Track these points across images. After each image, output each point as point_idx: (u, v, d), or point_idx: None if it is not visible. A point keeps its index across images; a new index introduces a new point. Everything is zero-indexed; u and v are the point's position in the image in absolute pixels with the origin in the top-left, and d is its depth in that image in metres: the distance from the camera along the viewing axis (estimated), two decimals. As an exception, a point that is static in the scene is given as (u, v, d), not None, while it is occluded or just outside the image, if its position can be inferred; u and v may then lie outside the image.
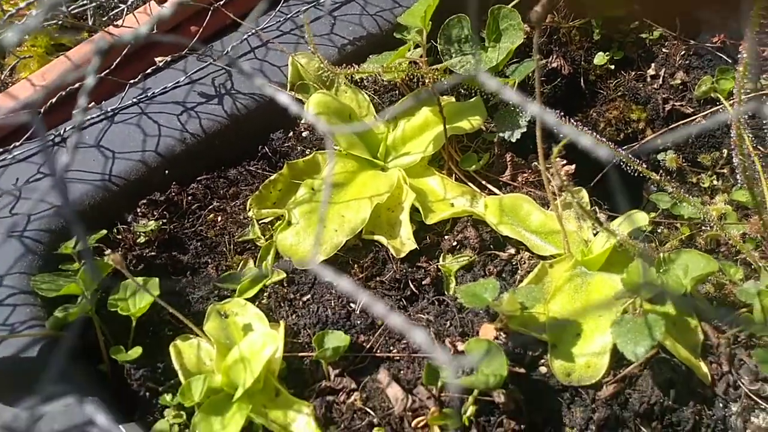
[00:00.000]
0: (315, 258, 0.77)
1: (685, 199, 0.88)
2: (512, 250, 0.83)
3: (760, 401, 0.73)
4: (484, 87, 0.86)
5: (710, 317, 0.76)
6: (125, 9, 0.81)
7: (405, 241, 0.81)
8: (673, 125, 1.06)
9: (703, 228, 0.91)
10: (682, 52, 1.10)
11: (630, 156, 0.87)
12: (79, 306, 0.67)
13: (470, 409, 0.67)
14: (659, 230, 0.94)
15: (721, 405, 0.71)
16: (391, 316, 0.28)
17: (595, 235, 0.82)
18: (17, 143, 0.80)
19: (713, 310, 0.77)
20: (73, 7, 0.77)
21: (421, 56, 0.82)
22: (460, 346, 0.72)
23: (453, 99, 0.93)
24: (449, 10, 0.89)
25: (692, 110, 1.05)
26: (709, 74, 1.06)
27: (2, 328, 0.67)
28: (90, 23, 0.80)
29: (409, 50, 0.84)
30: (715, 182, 1.00)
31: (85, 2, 0.79)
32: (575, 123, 0.85)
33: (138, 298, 0.69)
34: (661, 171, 1.02)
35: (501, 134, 0.89)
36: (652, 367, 0.71)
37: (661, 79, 1.10)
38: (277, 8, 0.96)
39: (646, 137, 1.09)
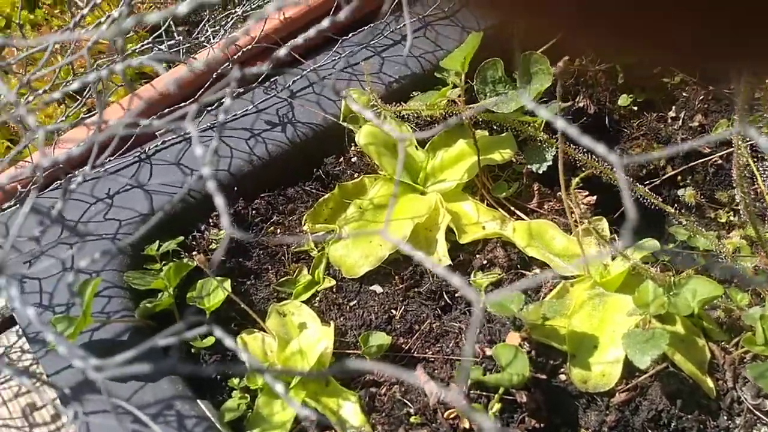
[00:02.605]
0: (362, 268, 0.88)
1: (699, 232, 0.98)
2: (537, 270, 0.93)
3: (762, 416, 0.81)
4: (514, 124, 0.97)
5: (717, 338, 0.84)
6: (209, 47, 0.95)
7: (441, 257, 0.91)
8: (692, 163, 1.15)
9: (719, 260, 0.99)
10: (701, 97, 1.20)
11: (646, 190, 0.97)
12: (164, 299, 0.79)
13: (496, 406, 0.76)
14: (678, 259, 1.03)
15: (725, 417, 0.79)
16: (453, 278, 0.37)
17: (613, 259, 0.91)
18: (111, 157, 0.93)
19: (720, 331, 0.85)
20: (169, 44, 0.90)
21: (459, 96, 0.94)
22: (488, 351, 0.82)
23: (486, 133, 1.04)
24: (487, 53, 1.00)
25: (709, 150, 1.14)
26: (725, 118, 1.15)
27: (100, 314, 0.79)
28: (181, 59, 0.93)
29: (449, 90, 0.95)
30: (731, 218, 1.09)
31: (178, 40, 0.92)
32: (597, 158, 0.95)
33: (213, 295, 0.80)
34: (677, 206, 1.11)
35: (529, 166, 1.00)
36: (661, 378, 0.80)
37: (681, 120, 1.19)
38: (333, 48, 1.08)
39: (666, 174, 1.18)
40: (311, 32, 0.59)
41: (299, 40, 0.57)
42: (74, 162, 0.90)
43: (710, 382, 0.78)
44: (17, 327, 0.82)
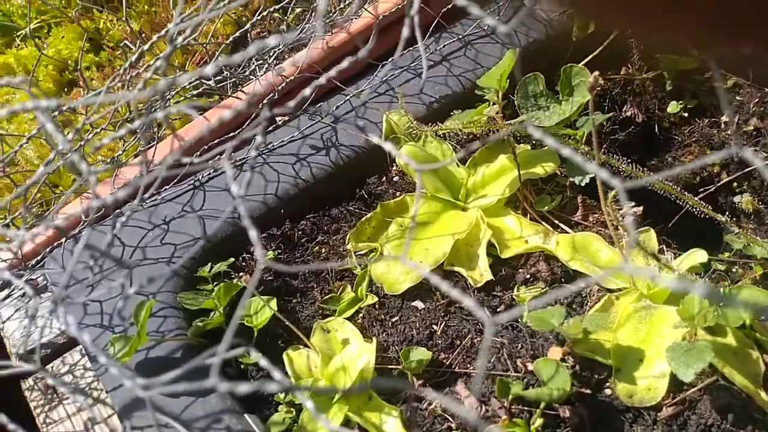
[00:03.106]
0: (404, 284, 0.90)
1: (753, 240, 0.94)
2: (582, 284, 0.92)
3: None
4: (555, 138, 0.97)
5: (774, 350, 0.80)
6: (254, 80, 1.00)
7: (483, 273, 0.92)
8: (748, 169, 1.11)
9: (777, 268, 0.95)
10: (756, 100, 1.15)
11: (697, 200, 0.94)
12: (215, 318, 0.84)
13: (538, 421, 0.76)
14: (734, 270, 0.99)
15: (783, 433, 0.76)
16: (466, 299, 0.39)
17: (660, 271, 0.89)
18: (167, 186, 1.00)
19: (777, 343, 0.81)
20: (217, 79, 0.97)
21: (497, 113, 0.95)
22: (530, 366, 0.81)
23: (528, 147, 1.04)
24: (528, 69, 1.01)
25: (766, 155, 1.10)
26: (782, 121, 1.10)
27: (156, 333, 0.85)
28: (229, 93, 0.99)
29: (487, 107, 0.96)
30: (794, 224, 1.04)
31: (225, 76, 0.98)
32: (645, 170, 0.93)
33: (260, 314, 0.84)
34: (734, 213, 1.07)
35: (572, 178, 0.99)
36: (711, 392, 0.77)
37: (735, 125, 1.15)
38: (375, 73, 1.12)
39: (721, 180, 1.14)
40: (345, 63, 0.62)
41: (344, 64, 0.60)
42: (127, 195, 0.97)
43: (765, 396, 0.75)
44: (80, 346, 0.89)
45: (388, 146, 0.50)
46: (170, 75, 1.26)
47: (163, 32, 0.52)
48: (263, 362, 0.43)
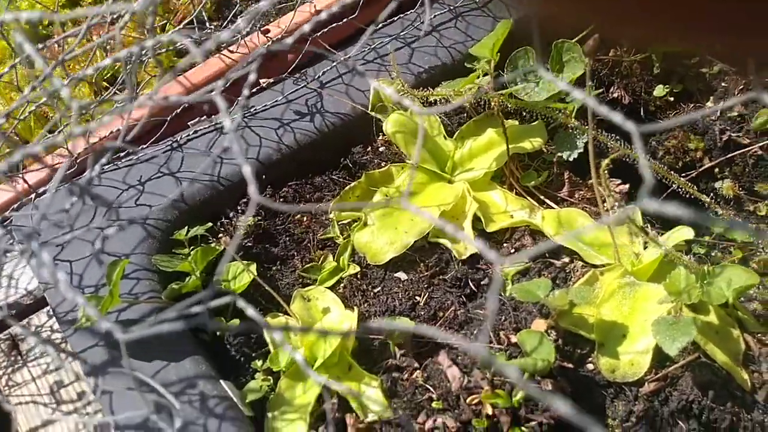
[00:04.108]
0: (387, 254, 0.88)
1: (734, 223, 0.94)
2: (566, 259, 0.91)
3: (801, 412, 0.77)
4: (545, 112, 0.95)
5: (753, 329, 0.81)
6: (239, 39, 0.96)
7: (467, 246, 0.90)
8: (730, 154, 1.11)
9: (757, 252, 0.96)
10: (741, 87, 1.16)
11: (682, 180, 0.94)
12: (190, 282, 0.81)
13: (519, 393, 0.75)
14: (713, 253, 0.99)
15: (760, 411, 0.76)
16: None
17: (645, 248, 0.89)
18: (144, 146, 0.96)
19: (756, 322, 0.82)
20: (199, 35, 0.93)
21: (488, 83, 0.93)
22: (513, 339, 0.80)
23: (516, 122, 1.03)
24: (517, 43, 0.99)
25: (749, 141, 1.10)
26: (766, 107, 1.11)
27: (128, 296, 0.81)
28: (212, 51, 0.95)
29: (478, 77, 0.95)
30: (773, 210, 1.05)
31: (209, 29, 0.94)
32: (630, 144, 0.93)
33: (239, 279, 0.81)
34: (715, 198, 1.08)
35: (560, 153, 0.98)
36: (692, 369, 0.77)
37: (719, 111, 1.16)
38: (363, 40, 1.09)
39: (703, 166, 1.14)
40: (323, 15, 0.60)
41: (323, 15, 0.58)
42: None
43: (745, 374, 0.75)
44: (48, 308, 0.85)
45: (389, 90, 0.48)
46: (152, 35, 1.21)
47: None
48: (251, 312, 0.41)
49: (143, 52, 0.88)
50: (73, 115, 0.39)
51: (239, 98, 1.00)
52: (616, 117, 0.41)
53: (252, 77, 0.46)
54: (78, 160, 0.86)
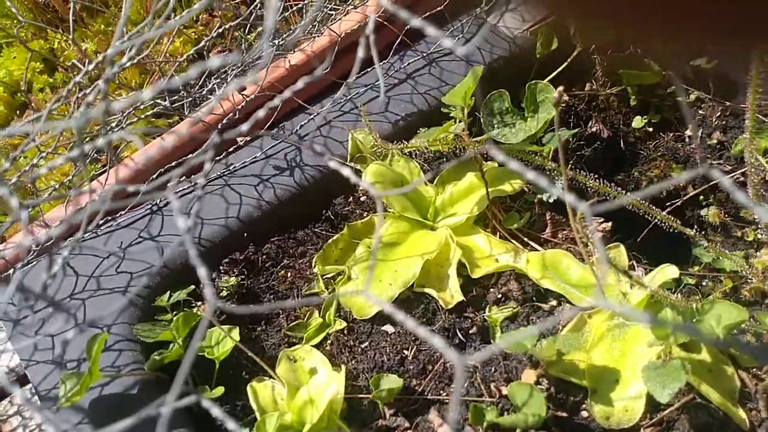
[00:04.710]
0: (373, 308, 0.87)
1: (722, 253, 0.94)
2: (554, 302, 0.90)
3: (803, 449, 0.75)
4: (522, 155, 0.96)
5: (747, 365, 0.80)
6: (214, 101, 0.97)
7: (453, 294, 0.89)
8: (713, 182, 1.11)
9: (747, 281, 0.95)
10: (718, 113, 1.16)
11: (664, 214, 0.94)
12: (173, 351, 0.79)
13: (514, 448, 0.73)
14: (704, 283, 0.98)
15: (761, 451, 0.74)
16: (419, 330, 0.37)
17: (631, 288, 0.88)
18: (123, 212, 0.95)
19: (750, 357, 0.80)
20: (173, 99, 0.93)
21: (463, 130, 0.93)
22: (504, 391, 0.79)
23: (496, 164, 1.03)
24: (492, 86, 0.99)
25: (730, 168, 1.11)
26: (744, 133, 1.11)
27: (111, 369, 0.80)
28: (187, 113, 0.95)
29: (453, 125, 0.95)
30: (759, 235, 1.04)
31: (182, 96, 0.95)
32: (612, 185, 0.93)
33: (221, 344, 0.80)
34: (702, 226, 1.07)
35: (540, 195, 0.98)
36: (688, 411, 0.75)
37: (698, 139, 1.16)
38: (339, 92, 1.10)
39: (687, 194, 1.14)
40: (300, 84, 0.60)
41: (299, 84, 0.58)
42: (70, 228, 0.91)
43: (742, 413, 0.73)
44: (30, 385, 0.83)
45: (346, 171, 0.48)
46: (128, 95, 1.22)
47: (108, 51, 0.48)
48: (216, 411, 0.40)
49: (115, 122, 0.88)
50: (23, 219, 0.38)
51: (216, 158, 1.00)
52: (570, 198, 0.40)
53: (207, 166, 0.46)
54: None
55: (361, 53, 0.50)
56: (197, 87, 0.99)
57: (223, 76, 0.97)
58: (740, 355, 0.79)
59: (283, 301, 0.89)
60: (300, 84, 0.58)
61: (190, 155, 0.94)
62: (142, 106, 0.89)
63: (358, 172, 1.02)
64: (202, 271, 0.42)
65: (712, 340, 0.71)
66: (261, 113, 0.47)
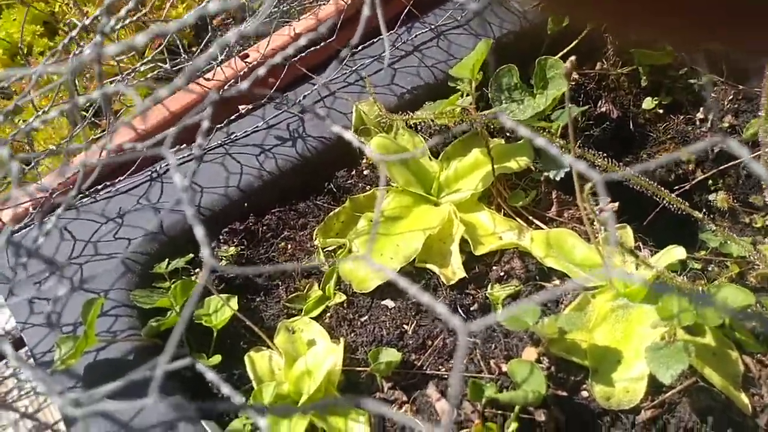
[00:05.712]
0: (373, 282, 0.86)
1: (730, 238, 0.92)
2: (557, 281, 0.89)
3: (804, 435, 0.74)
4: (531, 130, 0.94)
5: (752, 350, 0.78)
6: (215, 66, 0.95)
7: (455, 270, 0.88)
8: (723, 166, 1.09)
9: (754, 267, 0.93)
10: (731, 97, 1.14)
11: (673, 196, 0.92)
12: (170, 318, 0.78)
13: (512, 425, 0.72)
14: (710, 268, 0.97)
15: (762, 436, 0.73)
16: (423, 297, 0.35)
17: (637, 268, 0.87)
18: (122, 177, 0.93)
19: (755, 343, 0.79)
20: (173, 63, 0.91)
21: (470, 104, 0.91)
22: (504, 368, 0.78)
23: (502, 141, 1.01)
24: (502, 61, 0.97)
25: (741, 152, 1.09)
26: (757, 117, 1.09)
27: (107, 334, 0.79)
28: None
29: (460, 98, 0.93)
30: (768, 222, 1.03)
31: (183, 59, 0.93)
32: (621, 165, 0.91)
33: (220, 313, 0.79)
34: (710, 211, 1.06)
35: (546, 173, 0.96)
36: (690, 394, 0.74)
37: (709, 122, 1.14)
38: (343, 62, 1.07)
39: (696, 178, 1.12)
40: (302, 41, 0.58)
41: (302, 41, 0.56)
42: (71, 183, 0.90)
43: (745, 398, 0.72)
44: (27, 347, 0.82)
45: (348, 135, 0.46)
46: (130, 61, 1.20)
47: (102, 8, 0.47)
48: (211, 375, 0.38)
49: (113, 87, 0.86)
50: (13, 172, 0.37)
51: (217, 126, 0.98)
52: (581, 166, 0.39)
53: (205, 125, 0.44)
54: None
55: (366, 11, 0.48)
56: (199, 52, 0.97)
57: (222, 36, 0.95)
58: (745, 340, 0.78)
59: (282, 265, 0.87)
60: (302, 41, 0.56)
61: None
62: (142, 68, 0.87)
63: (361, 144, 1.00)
64: (199, 231, 0.41)
65: (727, 310, 0.70)
66: (261, 71, 0.45)
